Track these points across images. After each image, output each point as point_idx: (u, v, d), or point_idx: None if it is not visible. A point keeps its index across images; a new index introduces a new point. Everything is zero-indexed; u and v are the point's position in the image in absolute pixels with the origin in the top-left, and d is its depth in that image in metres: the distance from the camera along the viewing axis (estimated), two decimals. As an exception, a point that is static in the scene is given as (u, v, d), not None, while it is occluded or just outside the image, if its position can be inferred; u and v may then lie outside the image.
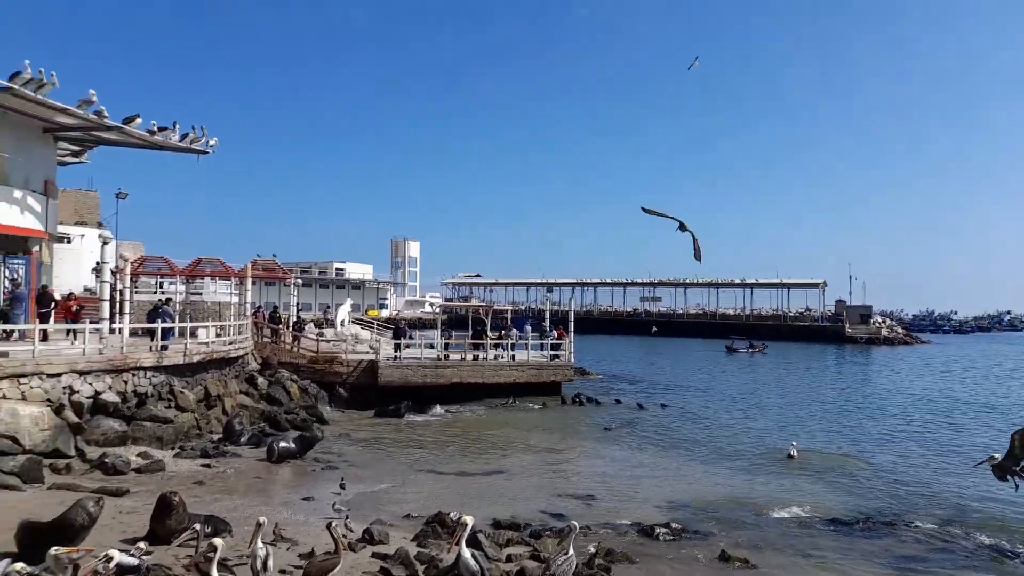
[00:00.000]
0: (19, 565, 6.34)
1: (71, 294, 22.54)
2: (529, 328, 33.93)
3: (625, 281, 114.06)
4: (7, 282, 21.04)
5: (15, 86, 17.93)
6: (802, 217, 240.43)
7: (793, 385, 39.64)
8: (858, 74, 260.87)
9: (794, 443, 19.99)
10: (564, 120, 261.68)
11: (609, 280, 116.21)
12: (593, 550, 10.50)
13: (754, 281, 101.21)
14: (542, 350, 31.48)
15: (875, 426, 25.75)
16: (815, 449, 20.87)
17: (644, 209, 17.27)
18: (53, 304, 20.18)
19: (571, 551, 8.13)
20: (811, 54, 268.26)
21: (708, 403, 31.21)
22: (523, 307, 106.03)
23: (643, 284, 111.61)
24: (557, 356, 31.26)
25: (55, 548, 6.44)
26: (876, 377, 46.51)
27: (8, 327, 18.80)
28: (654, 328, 55.49)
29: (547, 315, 37.30)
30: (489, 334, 31.35)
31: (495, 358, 29.97)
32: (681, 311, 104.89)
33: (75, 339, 18.81)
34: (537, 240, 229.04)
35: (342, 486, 14.51)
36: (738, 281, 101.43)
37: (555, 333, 32.56)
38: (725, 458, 19.57)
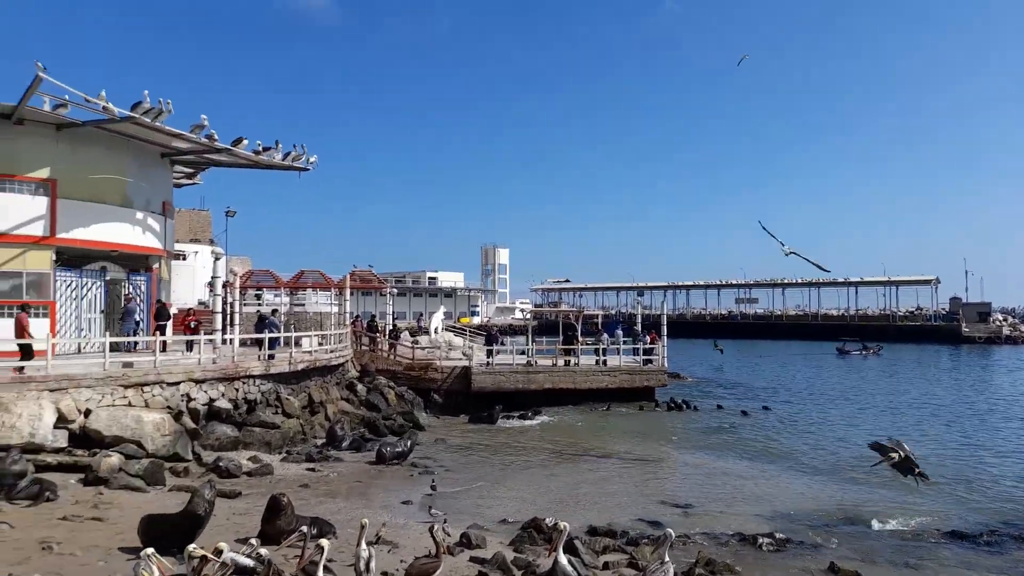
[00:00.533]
0: (150, 550, 6.82)
1: (190, 310, 24.02)
2: (621, 332, 33.56)
3: (719, 283, 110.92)
4: (123, 298, 22.70)
5: (136, 115, 19.36)
6: (908, 211, 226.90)
7: (907, 389, 37.40)
8: (973, 63, 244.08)
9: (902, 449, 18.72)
10: (652, 126, 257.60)
11: (702, 282, 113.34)
12: (693, 560, 10.27)
13: (859, 279, 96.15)
14: (635, 355, 31.08)
15: (998, 433, 23.95)
16: (932, 457, 19.61)
17: (762, 225, 17.88)
18: (169, 317, 21.66)
19: (668, 560, 7.98)
20: (919, 43, 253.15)
21: (813, 408, 29.92)
22: (614, 311, 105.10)
23: (738, 285, 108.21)
24: (650, 361, 30.78)
25: (191, 546, 6.85)
26: (998, 379, 43.23)
27: (131, 339, 20.32)
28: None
29: (639, 319, 36.82)
30: (580, 339, 31.25)
31: (598, 363, 29.76)
32: (780, 312, 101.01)
33: (190, 350, 20.08)
34: (627, 243, 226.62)
35: (433, 487, 14.87)
36: (841, 280, 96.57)
37: (647, 337, 32.08)
38: (832, 466, 18.70)
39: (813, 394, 34.84)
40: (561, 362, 29.92)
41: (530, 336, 32.96)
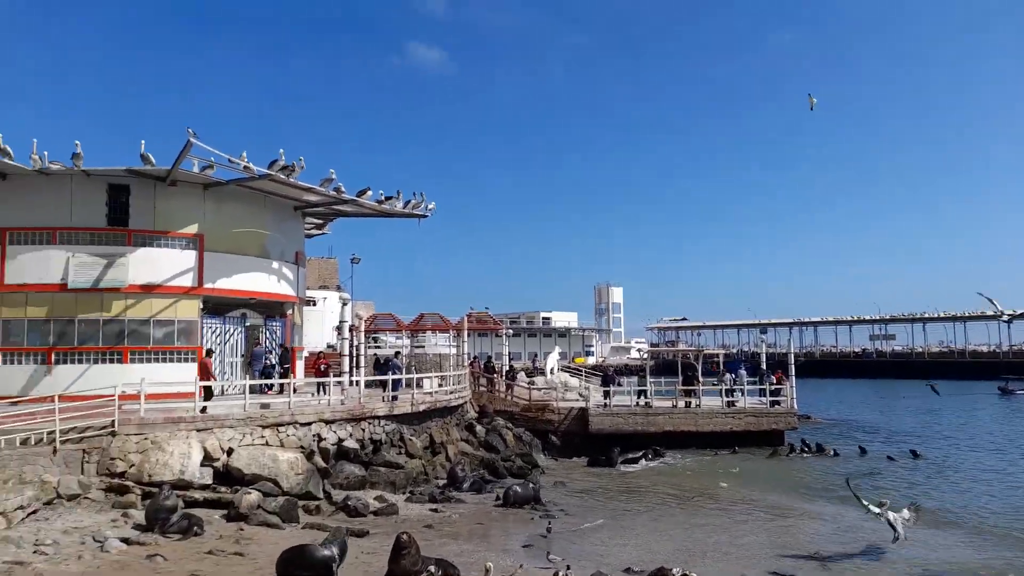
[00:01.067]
0: None
1: (320, 353, 25.22)
2: (744, 372, 32.20)
3: (851, 319, 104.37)
4: (255, 343, 24.20)
5: (273, 172, 20.91)
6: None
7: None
8: None
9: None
10: (777, 158, 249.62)
11: (831, 318, 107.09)
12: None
13: (1012, 312, 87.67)
14: (760, 396, 29.69)
15: None
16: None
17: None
18: (290, 361, 23.03)
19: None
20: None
21: (973, 455, 27.20)
22: (735, 350, 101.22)
23: (872, 321, 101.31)
24: (777, 402, 29.29)
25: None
26: None
27: (268, 382, 21.61)
28: (933, 387, 46.46)
29: (763, 358, 35.21)
30: (700, 379, 30.24)
31: (730, 404, 28.75)
32: (921, 349, 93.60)
33: (320, 392, 21.07)
34: (747, 279, 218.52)
35: (548, 530, 14.67)
36: (991, 313, 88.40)
37: (773, 377, 30.60)
38: (999, 524, 16.88)
39: (972, 439, 31.67)
40: (681, 403, 29.03)
41: (648, 376, 32.26)
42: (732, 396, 29.17)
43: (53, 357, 20.49)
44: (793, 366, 30.22)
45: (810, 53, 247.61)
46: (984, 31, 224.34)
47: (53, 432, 14.50)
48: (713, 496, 19.54)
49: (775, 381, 30.05)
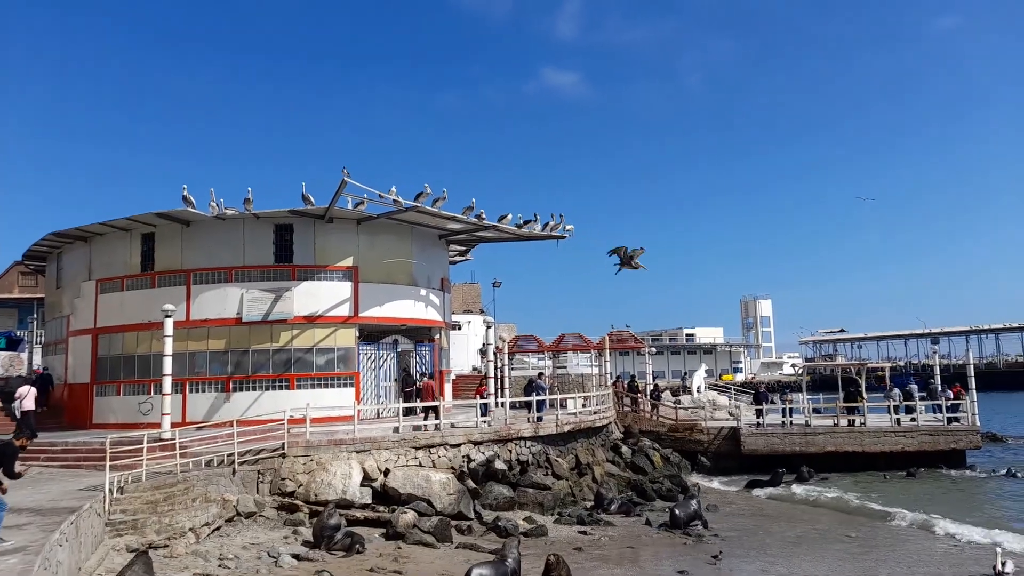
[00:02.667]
0: None
1: (482, 380, 25.34)
2: (915, 387, 29.54)
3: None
4: (406, 369, 25.20)
5: (420, 203, 21.95)
6: None
7: None
8: None
9: None
10: (931, 160, 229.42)
11: (1016, 324, 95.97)
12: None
13: None
14: (935, 412, 27.09)
15: None
16: None
17: None
18: (414, 384, 23.52)
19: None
20: None
21: None
22: (903, 363, 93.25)
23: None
24: (956, 419, 26.60)
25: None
26: None
27: (419, 404, 22.50)
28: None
29: (936, 370, 32.18)
30: (864, 395, 28.09)
31: (898, 422, 26.63)
32: None
33: (484, 415, 21.42)
34: (911, 284, 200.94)
35: (715, 557, 14.15)
36: None
37: (950, 392, 27.85)
38: None
39: None
40: (844, 422, 27.09)
41: (804, 393, 30.40)
42: (901, 412, 26.82)
43: (231, 385, 22.53)
44: (973, 378, 27.37)
45: (970, 40, 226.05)
46: None
47: (232, 455, 15.91)
48: (886, 524, 17.98)
49: (952, 396, 27.35)
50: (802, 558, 14.78)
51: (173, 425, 17.95)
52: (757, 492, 22.93)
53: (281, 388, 22.52)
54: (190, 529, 13.40)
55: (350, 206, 22.04)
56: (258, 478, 16.24)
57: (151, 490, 13.72)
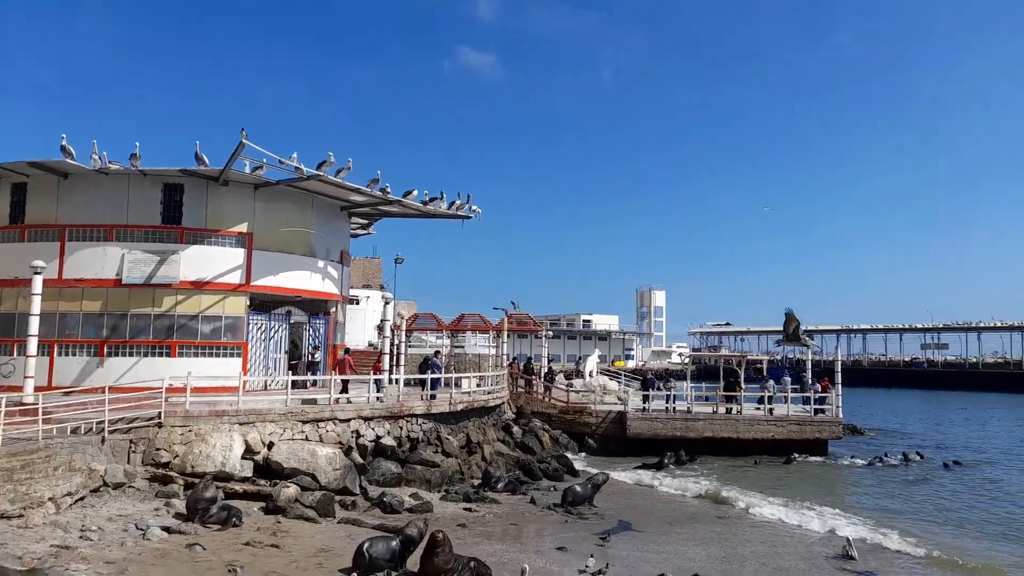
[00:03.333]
0: None
1: (379, 357, 24.74)
2: (788, 380, 31.55)
3: (901, 327, 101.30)
4: (294, 342, 24.69)
5: (322, 172, 21.31)
6: None
7: None
8: None
9: None
10: (821, 165, 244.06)
11: (881, 326, 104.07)
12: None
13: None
14: (804, 404, 29.07)
15: None
16: None
17: None
18: (300, 358, 23.89)
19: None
20: None
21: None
22: (779, 357, 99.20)
23: (924, 329, 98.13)
24: (822, 411, 28.63)
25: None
26: None
27: (310, 378, 22.04)
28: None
29: (808, 365, 34.46)
30: (743, 386, 29.75)
31: (771, 412, 28.30)
32: (975, 359, 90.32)
33: (379, 390, 21.22)
34: (791, 286, 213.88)
35: (604, 538, 14.54)
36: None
37: (819, 385, 29.92)
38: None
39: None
40: (722, 410, 28.60)
41: (688, 381, 31.87)
42: (773, 403, 28.63)
43: (105, 350, 21.24)
44: (839, 374, 29.50)
45: (868, 52, 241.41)
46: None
47: (102, 422, 15.03)
48: (754, 504, 19.17)
49: (820, 389, 29.38)
50: (673, 535, 15.57)
51: (37, 389, 16.76)
52: (641, 474, 23.86)
53: (161, 355, 21.45)
54: (50, 499, 12.60)
55: (247, 170, 21.17)
56: (130, 448, 15.44)
57: (6, 457, 12.74)
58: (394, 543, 11.09)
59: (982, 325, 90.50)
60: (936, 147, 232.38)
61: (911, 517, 18.45)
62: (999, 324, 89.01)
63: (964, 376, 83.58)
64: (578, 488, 18.11)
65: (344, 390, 20.21)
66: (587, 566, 12.22)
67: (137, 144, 20.71)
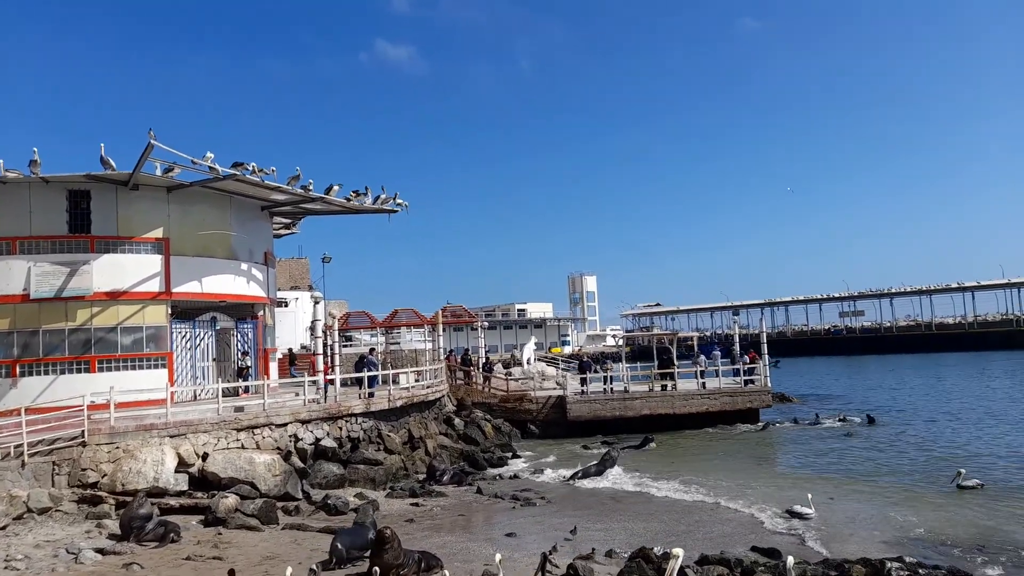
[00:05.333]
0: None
1: (312, 355, 24.67)
2: (718, 354, 32.59)
3: (820, 296, 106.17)
4: (238, 345, 24.02)
5: (237, 172, 20.55)
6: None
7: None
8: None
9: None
10: (736, 147, 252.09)
11: (802, 297, 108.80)
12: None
13: (975, 284, 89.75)
14: (735, 376, 30.05)
15: None
16: None
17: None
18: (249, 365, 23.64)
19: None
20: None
21: (953, 426, 27.51)
22: (709, 333, 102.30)
23: (841, 298, 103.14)
24: (751, 381, 29.69)
25: None
26: None
27: (241, 384, 21.37)
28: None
29: (736, 339, 35.66)
30: (676, 362, 30.52)
31: (703, 386, 29.25)
32: (889, 324, 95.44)
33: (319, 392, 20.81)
34: (719, 264, 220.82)
35: (573, 532, 13.90)
36: (955, 285, 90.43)
37: (747, 357, 31.00)
38: (967, 487, 17.33)
39: (963, 412, 31.75)
40: (657, 387, 29.27)
41: (624, 362, 32.46)
42: (703, 378, 29.50)
43: (18, 369, 20.01)
44: (765, 346, 30.61)
45: (777, 41, 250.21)
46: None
47: (20, 446, 14.17)
48: (691, 476, 19.71)
49: (748, 361, 30.43)
50: (616, 513, 15.85)
51: (-57, 417, 15.64)
52: (579, 452, 24.14)
53: (80, 371, 20.35)
54: (-33, 531, 11.80)
55: (159, 172, 20.19)
56: (53, 470, 14.62)
57: (-86, 491, 11.89)
58: (387, 531, 10.97)
59: (894, 291, 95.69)
60: (846, 123, 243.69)
61: (838, 472, 19.39)
62: (909, 289, 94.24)
63: (879, 341, 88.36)
64: (593, 467, 20.00)
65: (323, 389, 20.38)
66: (553, 549, 12.28)
67: (36, 150, 19.42)
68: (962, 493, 16.43)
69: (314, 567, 9.58)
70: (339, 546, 11.00)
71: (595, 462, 20.71)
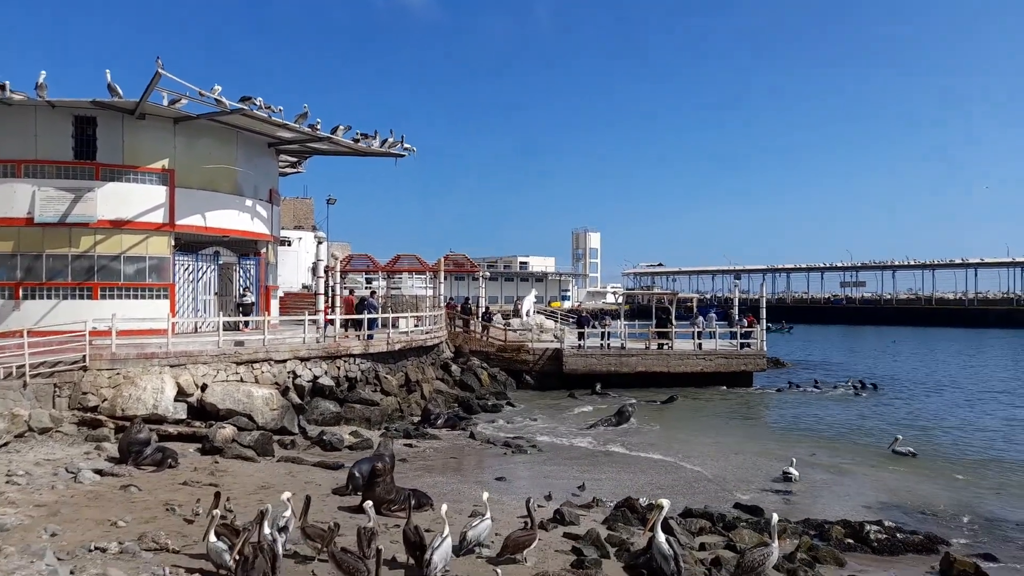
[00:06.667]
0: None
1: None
2: (715, 316, 32.72)
3: (822, 265, 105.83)
4: (241, 281, 24.12)
5: (245, 106, 20.32)
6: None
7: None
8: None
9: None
10: (749, 105, 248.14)
11: (804, 265, 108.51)
12: (793, 546, 9.92)
13: (978, 260, 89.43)
14: (732, 339, 30.23)
15: None
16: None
17: None
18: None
19: (774, 543, 7.78)
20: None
21: (943, 397, 27.89)
22: (709, 296, 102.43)
23: (843, 268, 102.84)
24: (748, 345, 29.88)
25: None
26: None
27: (241, 319, 21.53)
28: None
29: (736, 303, 35.73)
30: (674, 322, 30.68)
31: (699, 346, 29.41)
32: (889, 296, 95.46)
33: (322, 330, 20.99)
34: (723, 226, 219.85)
35: (581, 487, 13.74)
36: (959, 261, 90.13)
37: (745, 321, 31.13)
38: (949, 455, 17.63)
39: (936, 382, 32.35)
40: (654, 346, 29.47)
41: (622, 320, 32.62)
42: (700, 339, 29.69)
43: (20, 292, 20.15)
44: (764, 310, 30.70)
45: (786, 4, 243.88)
46: None
47: (23, 366, 14.37)
48: (681, 434, 20.02)
49: (747, 325, 30.57)
50: (605, 465, 16.15)
51: (-53, 334, 15.83)
52: (570, 403, 24.44)
53: (83, 297, 20.49)
54: (-31, 446, 12.07)
55: (165, 103, 20.00)
56: (55, 392, 14.88)
57: (-81, 404, 12.12)
58: (378, 463, 11.22)
59: (897, 263, 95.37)
60: (859, 90, 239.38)
61: (825, 435, 19.69)
62: (913, 262, 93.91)
63: (878, 311, 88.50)
64: (612, 418, 20.52)
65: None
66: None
67: (43, 73, 19.22)
68: (896, 459, 16.99)
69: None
70: (356, 473, 11.24)
71: (614, 413, 20.94)
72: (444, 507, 8.02)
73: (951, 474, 15.85)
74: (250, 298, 23.62)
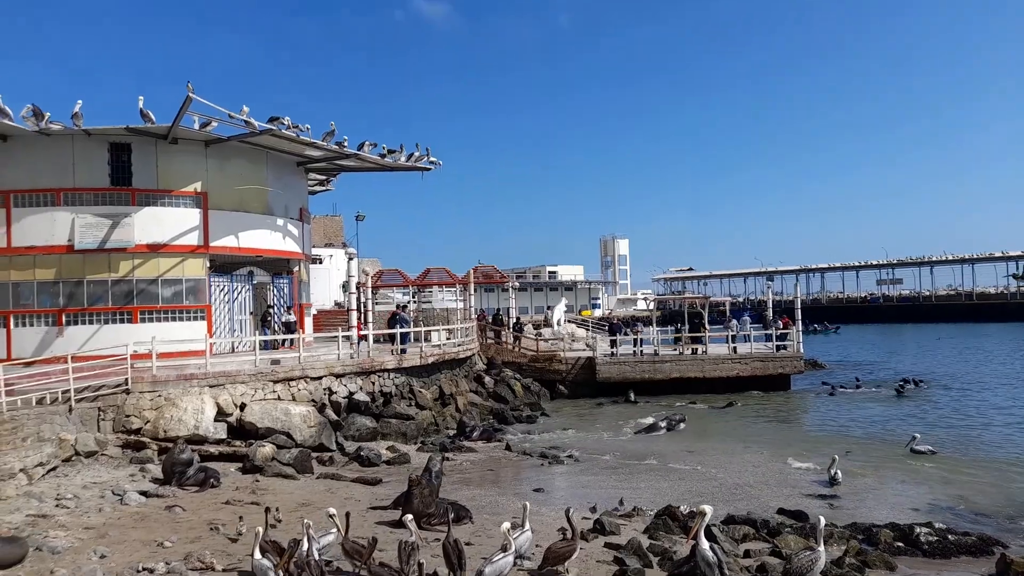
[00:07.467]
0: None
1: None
2: (748, 319, 32.30)
3: (857, 264, 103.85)
4: (275, 300, 24.44)
5: (274, 127, 20.66)
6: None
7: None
8: None
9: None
10: (775, 104, 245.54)
11: (838, 264, 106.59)
12: (841, 551, 9.69)
13: (1020, 253, 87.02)
14: (767, 341, 29.80)
15: None
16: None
17: None
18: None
19: (821, 548, 7.61)
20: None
21: (990, 396, 27.08)
22: (741, 299, 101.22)
23: (879, 266, 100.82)
24: (784, 347, 29.41)
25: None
26: None
27: (278, 337, 21.80)
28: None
29: (769, 305, 35.23)
30: (707, 327, 30.35)
31: (733, 350, 29.05)
32: (928, 293, 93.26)
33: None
34: (754, 228, 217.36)
35: (621, 502, 13.28)
36: (999, 254, 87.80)
37: (780, 323, 30.66)
38: (1001, 454, 17.12)
39: (988, 382, 31.30)
40: (688, 351, 29.17)
41: (654, 326, 32.36)
42: (735, 342, 29.31)
43: (64, 319, 20.66)
44: (799, 311, 30.24)
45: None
46: None
47: (68, 392, 14.70)
48: (721, 439, 19.73)
49: (782, 327, 30.12)
50: (645, 473, 15.97)
51: (-5, 362, 16.26)
52: (608, 411, 24.28)
53: (123, 321, 20.93)
54: (21, 470, 12.35)
55: (196, 126, 20.40)
56: (99, 416, 15.17)
57: (-30, 431, 12.45)
58: (436, 468, 11.31)
59: (935, 259, 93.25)
60: (885, 80, 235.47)
61: (869, 437, 19.25)
62: (951, 257, 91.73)
63: (917, 309, 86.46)
64: (661, 422, 20.91)
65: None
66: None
67: (79, 102, 19.74)
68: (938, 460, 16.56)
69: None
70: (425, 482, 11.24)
71: (663, 421, 21.19)
72: (506, 524, 7.94)
73: (1005, 474, 15.39)
74: (292, 316, 23.91)
